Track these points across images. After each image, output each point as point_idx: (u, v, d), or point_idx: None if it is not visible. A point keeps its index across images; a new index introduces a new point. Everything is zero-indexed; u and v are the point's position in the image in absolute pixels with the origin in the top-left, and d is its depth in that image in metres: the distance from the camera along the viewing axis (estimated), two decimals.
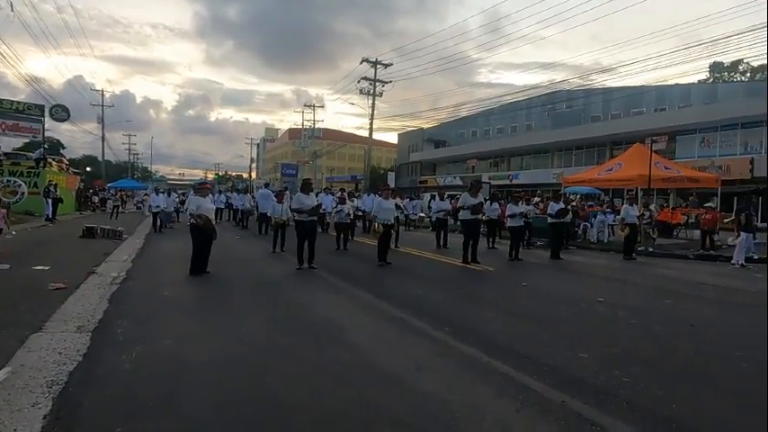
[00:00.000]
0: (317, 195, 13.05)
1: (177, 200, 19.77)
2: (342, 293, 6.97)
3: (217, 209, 18.34)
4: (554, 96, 39.00)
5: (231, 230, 17.59)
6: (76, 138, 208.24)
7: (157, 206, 17.09)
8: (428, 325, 5.12)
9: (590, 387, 3.50)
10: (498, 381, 3.61)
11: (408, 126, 49.64)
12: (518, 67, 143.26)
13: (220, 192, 25.11)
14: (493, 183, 35.03)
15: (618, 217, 17.23)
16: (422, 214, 20.59)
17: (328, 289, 7.31)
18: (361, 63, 32.19)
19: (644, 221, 13.84)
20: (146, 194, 29.09)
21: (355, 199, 15.45)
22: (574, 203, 15.59)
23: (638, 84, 33.97)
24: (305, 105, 49.83)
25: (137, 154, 77.00)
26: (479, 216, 10.42)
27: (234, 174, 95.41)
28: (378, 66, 32.19)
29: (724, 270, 10.48)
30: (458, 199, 23.36)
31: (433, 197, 21.80)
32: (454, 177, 43.43)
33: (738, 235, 11.33)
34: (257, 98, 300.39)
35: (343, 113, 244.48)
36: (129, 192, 40.57)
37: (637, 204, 13.11)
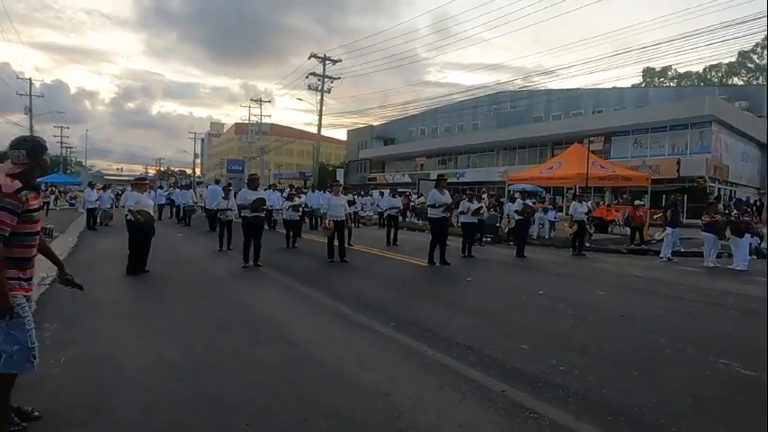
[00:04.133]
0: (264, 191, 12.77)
1: (113, 196, 18.97)
2: (287, 291, 6.87)
3: (158, 205, 17.79)
4: (498, 97, 40.25)
5: (174, 228, 16.98)
6: (1, 130, 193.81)
7: (93, 202, 16.30)
8: (374, 320, 5.14)
9: (529, 376, 3.64)
10: (441, 372, 3.68)
11: (358, 123, 49.75)
12: (464, 67, 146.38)
13: (161, 187, 24.13)
14: None
15: (559, 214, 18.10)
16: (370, 213, 20.67)
17: (274, 286, 7.19)
18: (309, 58, 31.78)
19: None
20: (79, 190, 27.51)
21: (302, 195, 15.27)
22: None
23: (577, 86, 35.64)
24: (252, 100, 48.79)
25: (70, 147, 72.63)
26: (448, 214, 9.86)
27: (177, 169, 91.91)
28: (327, 62, 31.89)
29: (653, 263, 11.16)
30: (407, 195, 23.84)
31: (381, 194, 21.96)
32: (403, 175, 43.90)
33: (665, 230, 12.12)
34: (202, 92, 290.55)
35: (291, 109, 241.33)
36: (61, 187, 38.16)
37: (585, 202, 12.98)
